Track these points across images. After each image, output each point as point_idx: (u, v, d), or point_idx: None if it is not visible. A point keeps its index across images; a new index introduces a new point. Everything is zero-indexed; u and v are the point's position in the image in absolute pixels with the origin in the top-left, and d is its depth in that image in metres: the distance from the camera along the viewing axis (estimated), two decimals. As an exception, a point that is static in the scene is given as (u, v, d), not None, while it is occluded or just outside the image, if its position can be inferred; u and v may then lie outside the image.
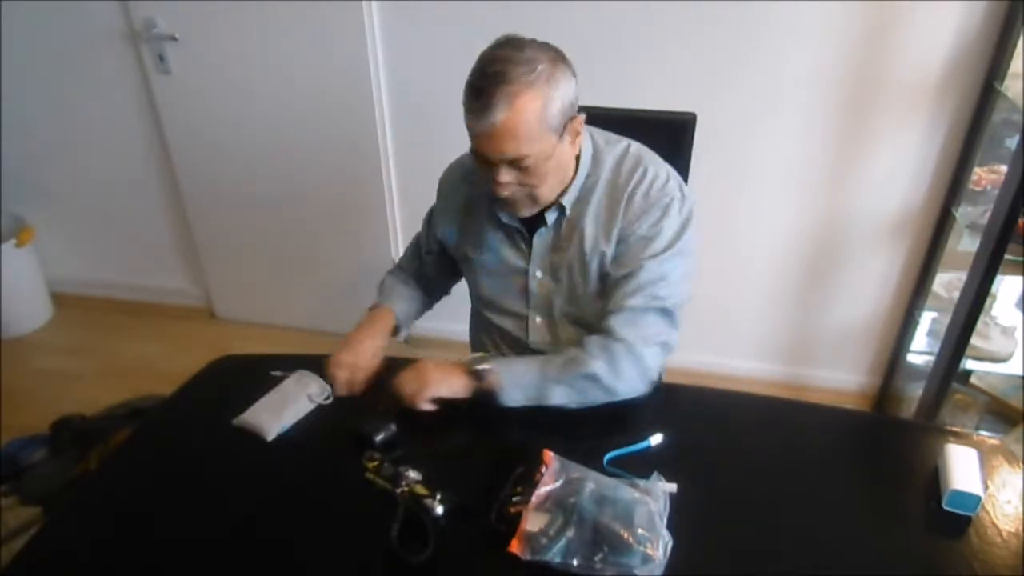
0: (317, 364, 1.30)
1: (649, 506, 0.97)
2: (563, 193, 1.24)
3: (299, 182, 2.53)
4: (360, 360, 1.30)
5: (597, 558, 0.92)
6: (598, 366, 1.18)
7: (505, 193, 1.18)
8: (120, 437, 1.99)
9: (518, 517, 0.97)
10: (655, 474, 1.03)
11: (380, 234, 2.55)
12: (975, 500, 1.03)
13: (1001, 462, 1.14)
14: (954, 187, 2.04)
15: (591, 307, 1.30)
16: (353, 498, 1.07)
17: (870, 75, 1.98)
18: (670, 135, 1.52)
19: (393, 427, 1.16)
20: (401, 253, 2.59)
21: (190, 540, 1.02)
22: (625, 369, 1.19)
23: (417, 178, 2.45)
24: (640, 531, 0.94)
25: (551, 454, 1.05)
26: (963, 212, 1.99)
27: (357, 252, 2.62)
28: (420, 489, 1.03)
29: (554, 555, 0.92)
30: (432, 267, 1.52)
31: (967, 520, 1.03)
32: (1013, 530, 1.02)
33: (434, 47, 2.21)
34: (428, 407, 1.20)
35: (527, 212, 1.24)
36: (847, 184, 2.15)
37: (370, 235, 2.56)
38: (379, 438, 1.14)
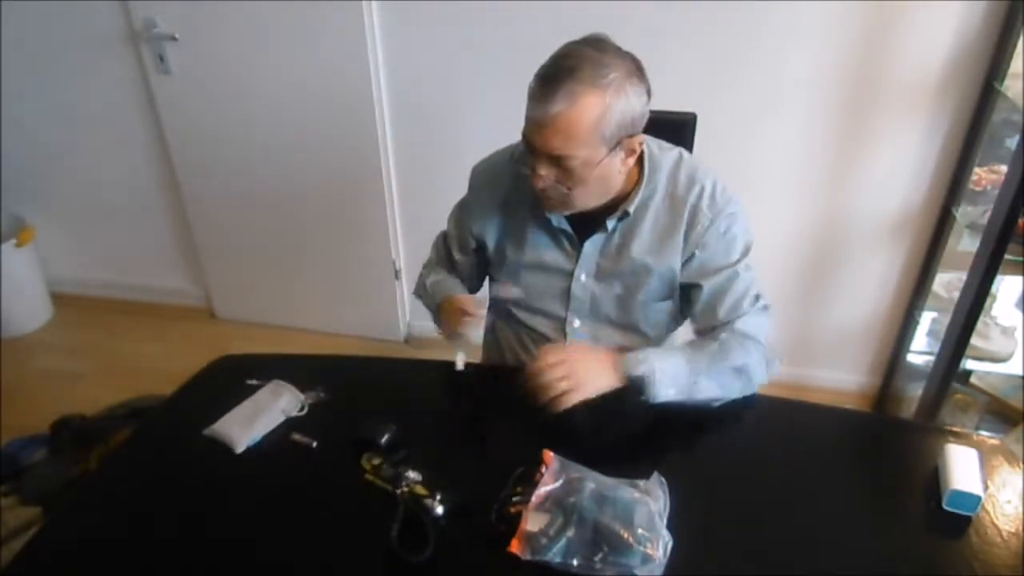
0: (316, 365, 1.30)
1: (649, 506, 0.97)
2: (625, 200, 1.23)
3: (299, 182, 2.53)
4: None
5: (597, 558, 0.92)
6: (746, 358, 1.19)
7: (540, 185, 1.15)
8: (120, 437, 1.99)
9: (518, 517, 0.97)
10: (655, 474, 1.03)
11: (380, 234, 2.55)
12: (975, 500, 1.03)
13: (1001, 462, 1.14)
14: (954, 187, 2.04)
15: (640, 313, 1.31)
16: (353, 498, 1.07)
17: (870, 75, 1.98)
18: (670, 135, 1.51)
19: (394, 428, 1.14)
20: (401, 253, 2.62)
21: (190, 540, 1.02)
22: (759, 364, 1.22)
23: (417, 178, 2.45)
24: (640, 531, 0.94)
25: (551, 454, 1.05)
26: (963, 212, 1.99)
27: (357, 252, 2.62)
28: (420, 489, 1.03)
29: (554, 555, 0.92)
30: (465, 268, 1.46)
31: (967, 520, 1.03)
32: (1013, 530, 1.02)
33: (434, 47, 2.21)
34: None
35: (559, 212, 1.23)
36: (847, 184, 2.15)
37: (370, 235, 2.56)
38: (382, 440, 1.12)
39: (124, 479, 1.17)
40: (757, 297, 1.25)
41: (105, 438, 2.07)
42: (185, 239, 2.83)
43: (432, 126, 2.34)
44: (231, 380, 1.28)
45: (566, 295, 1.33)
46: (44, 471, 2.07)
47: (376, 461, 1.09)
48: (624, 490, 0.99)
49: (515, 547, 0.94)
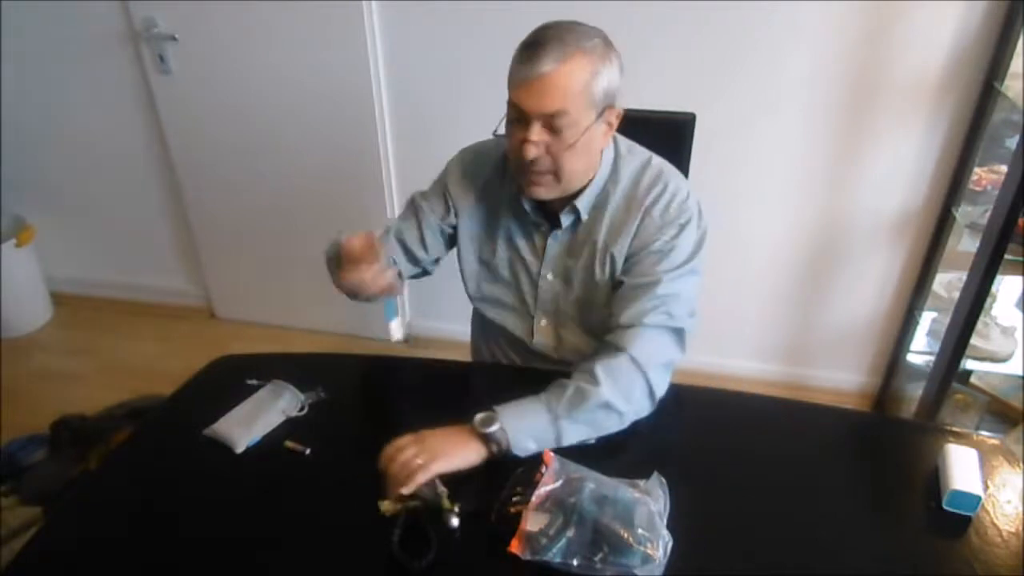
0: (316, 365, 1.30)
1: (649, 506, 0.97)
2: (578, 196, 1.23)
3: (299, 182, 2.53)
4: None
5: (597, 558, 0.92)
6: (608, 392, 1.11)
7: (532, 153, 1.13)
8: (120, 437, 1.99)
9: (518, 517, 0.97)
10: (655, 474, 1.03)
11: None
12: (975, 500, 1.03)
13: (1001, 462, 1.14)
14: (954, 187, 2.04)
15: (599, 314, 1.29)
16: (355, 501, 1.07)
17: (870, 75, 1.98)
18: (670, 135, 1.52)
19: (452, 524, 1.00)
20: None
21: (190, 540, 1.02)
22: (634, 391, 1.15)
23: (417, 178, 2.42)
24: (640, 531, 0.94)
25: (551, 454, 1.05)
26: (963, 212, 1.99)
27: (357, 252, 2.62)
28: (446, 503, 0.99)
29: (554, 555, 0.92)
30: (416, 242, 1.37)
31: (967, 520, 1.03)
32: (1013, 530, 1.02)
33: (434, 47, 2.21)
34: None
35: (546, 193, 1.21)
36: (847, 184, 2.15)
37: (370, 235, 2.56)
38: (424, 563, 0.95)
39: (124, 479, 1.17)
40: (671, 316, 1.18)
41: (105, 438, 2.07)
42: (185, 239, 2.83)
43: (432, 126, 2.34)
44: (231, 380, 1.28)
45: (534, 293, 1.34)
46: (44, 471, 2.07)
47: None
48: (624, 490, 0.99)
49: (515, 547, 0.94)
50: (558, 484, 1.00)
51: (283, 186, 2.56)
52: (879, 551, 0.99)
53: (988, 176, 1.97)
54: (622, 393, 1.13)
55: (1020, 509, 1.05)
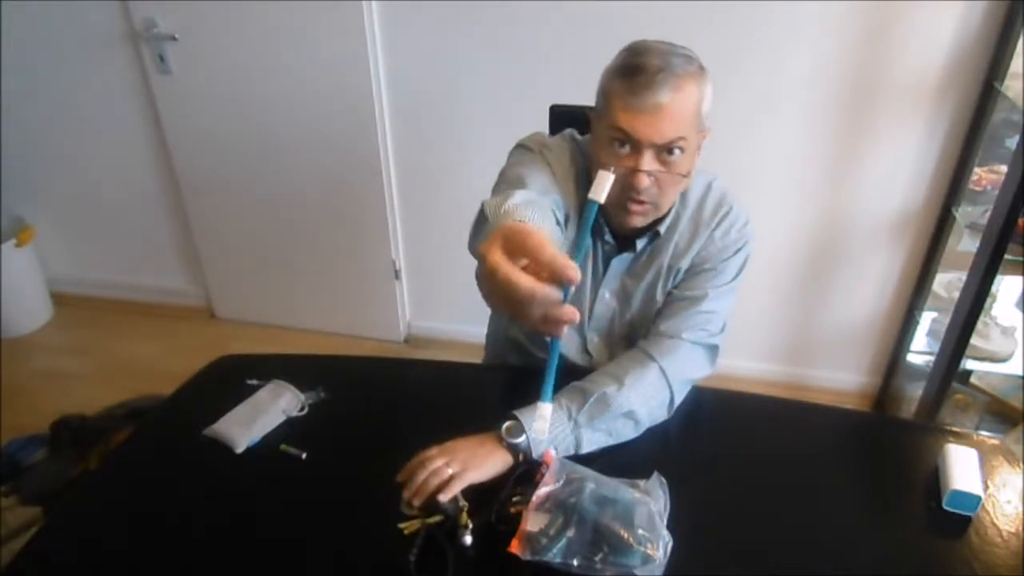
0: (316, 365, 1.29)
1: (649, 506, 0.97)
2: (659, 221, 1.21)
3: (299, 182, 2.53)
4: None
5: (597, 558, 0.92)
6: (633, 401, 1.12)
7: (645, 183, 1.09)
8: (120, 437, 1.99)
9: (518, 517, 0.97)
10: (655, 474, 1.03)
11: (380, 234, 2.55)
12: (975, 500, 1.03)
13: (1001, 462, 1.14)
14: (954, 187, 2.04)
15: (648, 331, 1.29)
16: (355, 500, 1.07)
17: (870, 75, 1.98)
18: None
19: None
20: (401, 253, 2.62)
21: (190, 540, 1.02)
22: (656, 402, 1.16)
23: (417, 178, 2.45)
24: (640, 531, 0.93)
25: (552, 454, 1.05)
26: (963, 212, 2.00)
27: (357, 252, 2.62)
28: (464, 518, 0.98)
29: (554, 555, 0.92)
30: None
31: (967, 520, 1.03)
32: (1013, 530, 1.02)
33: (434, 47, 2.21)
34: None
35: (642, 221, 1.17)
36: (847, 184, 2.15)
37: (370, 235, 2.56)
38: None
39: (124, 479, 1.17)
40: (708, 333, 1.21)
41: (105, 438, 2.07)
42: (185, 239, 2.83)
43: (432, 126, 2.34)
44: (231, 380, 1.28)
45: (588, 311, 1.30)
46: (44, 471, 2.07)
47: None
48: (624, 490, 0.99)
49: (515, 547, 0.94)
50: (558, 484, 1.00)
51: (283, 186, 2.56)
52: (879, 551, 0.99)
53: (988, 176, 1.97)
54: (645, 403, 1.14)
55: (1020, 509, 1.05)
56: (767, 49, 2.00)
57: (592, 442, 1.12)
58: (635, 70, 1.05)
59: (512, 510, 0.99)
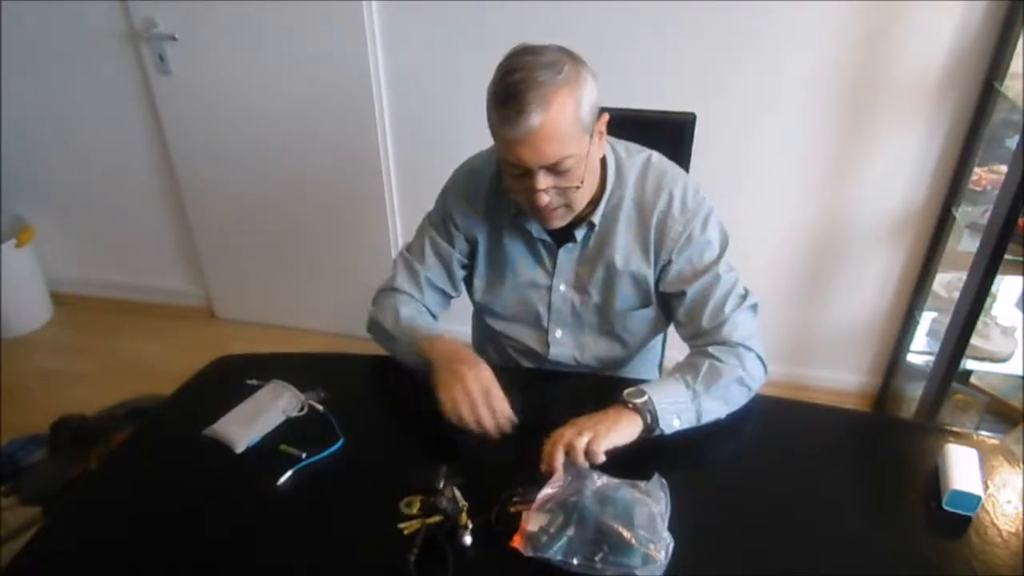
0: (316, 365, 1.29)
1: (650, 507, 0.97)
2: (591, 210, 1.23)
3: (299, 182, 2.53)
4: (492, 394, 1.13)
5: (597, 558, 0.92)
6: (739, 370, 1.17)
7: (545, 200, 1.12)
8: (120, 437, 1.99)
9: (518, 517, 0.97)
10: (656, 476, 1.03)
11: (380, 234, 2.55)
12: (975, 500, 1.03)
13: (1001, 462, 1.14)
14: (954, 187, 2.04)
15: (619, 322, 1.31)
16: (355, 500, 1.07)
17: (870, 75, 1.98)
18: (670, 135, 1.52)
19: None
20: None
21: (190, 540, 1.02)
22: (754, 369, 1.20)
23: (417, 178, 2.45)
24: (641, 532, 0.93)
25: (559, 460, 1.05)
26: (963, 212, 1.99)
27: (357, 252, 2.62)
28: (463, 518, 0.98)
29: (555, 552, 0.92)
30: (446, 282, 1.36)
31: (967, 520, 1.03)
32: (1013, 530, 1.02)
33: (434, 47, 2.21)
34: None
35: (560, 223, 1.21)
36: (847, 184, 2.15)
37: (370, 235, 2.56)
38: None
39: (124, 479, 1.17)
40: (743, 296, 1.24)
41: (105, 438, 2.07)
42: (185, 239, 2.83)
43: (432, 126, 2.34)
44: (231, 380, 1.28)
45: (547, 306, 1.33)
46: (44, 471, 2.07)
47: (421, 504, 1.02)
48: (625, 491, 0.99)
49: (517, 542, 0.94)
50: (559, 484, 1.00)
51: (283, 186, 2.56)
52: (879, 551, 0.99)
53: (988, 176, 1.97)
54: (747, 370, 1.18)
55: (1020, 509, 1.05)
56: (767, 49, 2.00)
57: (711, 412, 1.15)
58: (504, 99, 1.06)
59: (512, 510, 0.99)
